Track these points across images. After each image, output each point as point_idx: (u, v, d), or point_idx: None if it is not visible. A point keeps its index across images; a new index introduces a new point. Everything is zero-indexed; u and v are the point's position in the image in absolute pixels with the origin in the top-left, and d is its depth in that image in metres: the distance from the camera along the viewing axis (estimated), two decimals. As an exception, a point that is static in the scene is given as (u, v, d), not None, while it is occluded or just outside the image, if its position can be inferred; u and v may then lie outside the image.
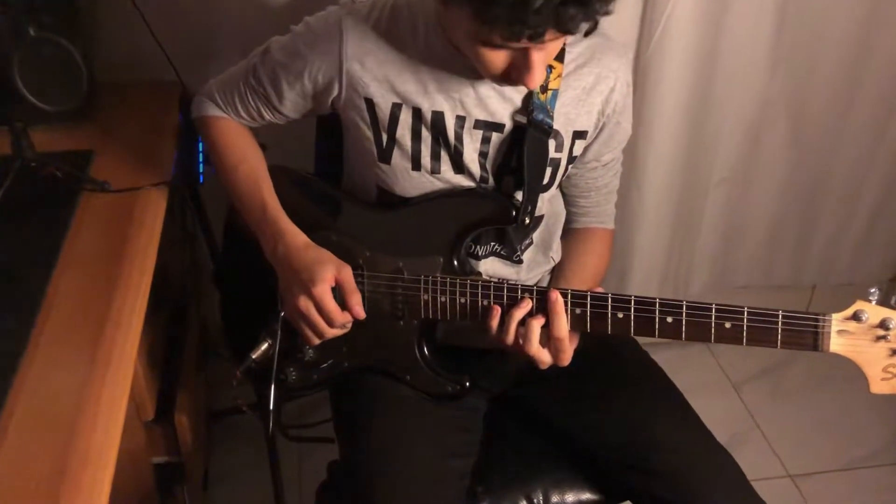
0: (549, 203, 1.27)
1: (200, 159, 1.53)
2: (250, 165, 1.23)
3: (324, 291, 1.09)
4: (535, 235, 1.27)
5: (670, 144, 1.86)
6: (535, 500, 1.22)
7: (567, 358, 1.09)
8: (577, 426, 1.24)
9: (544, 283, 1.32)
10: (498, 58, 0.99)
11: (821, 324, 0.98)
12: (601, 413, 1.22)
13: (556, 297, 1.05)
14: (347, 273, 1.12)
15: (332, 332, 1.13)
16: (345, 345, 1.21)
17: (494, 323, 1.08)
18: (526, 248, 1.26)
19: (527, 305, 1.07)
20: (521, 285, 1.09)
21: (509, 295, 1.09)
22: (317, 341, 1.15)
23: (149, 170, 1.36)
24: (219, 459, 1.79)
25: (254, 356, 1.20)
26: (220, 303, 1.39)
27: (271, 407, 1.20)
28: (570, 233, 1.34)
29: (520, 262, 1.25)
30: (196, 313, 1.66)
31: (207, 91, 1.28)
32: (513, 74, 1.01)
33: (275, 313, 1.20)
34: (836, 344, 0.99)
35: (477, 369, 1.22)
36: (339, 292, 1.12)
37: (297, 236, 1.15)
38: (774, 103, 1.88)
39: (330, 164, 1.36)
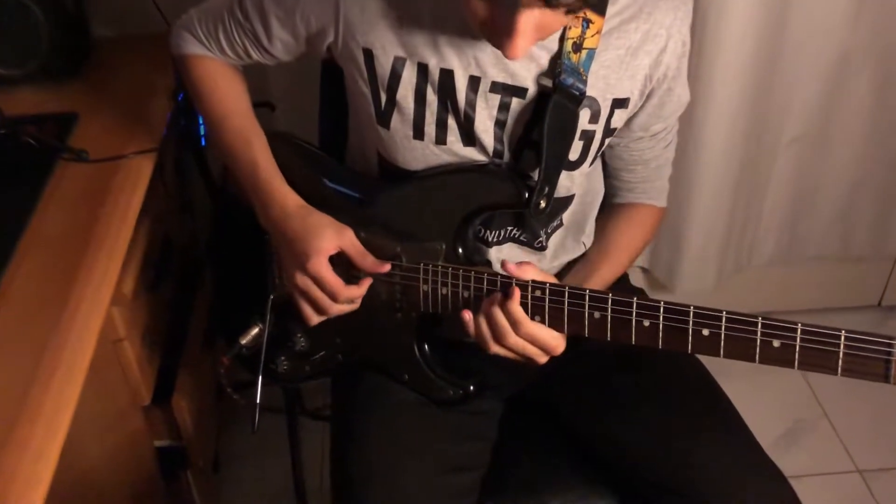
0: (586, 179, 1.10)
1: (201, 120, 1.40)
2: (240, 119, 1.09)
3: (319, 265, 0.97)
4: (566, 216, 1.10)
5: (734, 100, 1.65)
6: (552, 517, 1.08)
7: (552, 348, 0.95)
8: (604, 435, 1.08)
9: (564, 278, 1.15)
10: (479, 7, 0.82)
11: (895, 350, 0.79)
12: (633, 423, 1.06)
13: (514, 289, 0.93)
14: (350, 236, 0.99)
15: (337, 309, 1.01)
16: (339, 336, 1.08)
17: (472, 330, 0.96)
18: (553, 230, 1.09)
19: (493, 299, 0.94)
20: (534, 281, 0.93)
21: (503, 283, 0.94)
22: (317, 320, 1.02)
23: (137, 135, 1.24)
24: (233, 439, 1.70)
25: (243, 341, 1.09)
26: (212, 280, 1.28)
27: (258, 399, 1.08)
28: (608, 207, 1.16)
29: (542, 248, 1.09)
30: (205, 287, 1.55)
31: (187, 22, 1.12)
32: (494, 35, 0.83)
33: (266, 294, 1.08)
34: None
35: (490, 368, 1.07)
36: (341, 262, 0.99)
37: (289, 197, 1.02)
38: (856, 53, 1.65)
39: (336, 124, 1.21)
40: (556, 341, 0.95)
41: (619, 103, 1.00)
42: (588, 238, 1.15)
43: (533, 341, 0.94)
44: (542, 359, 0.96)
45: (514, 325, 0.93)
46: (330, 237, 0.98)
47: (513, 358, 0.96)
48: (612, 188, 1.15)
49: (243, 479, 1.70)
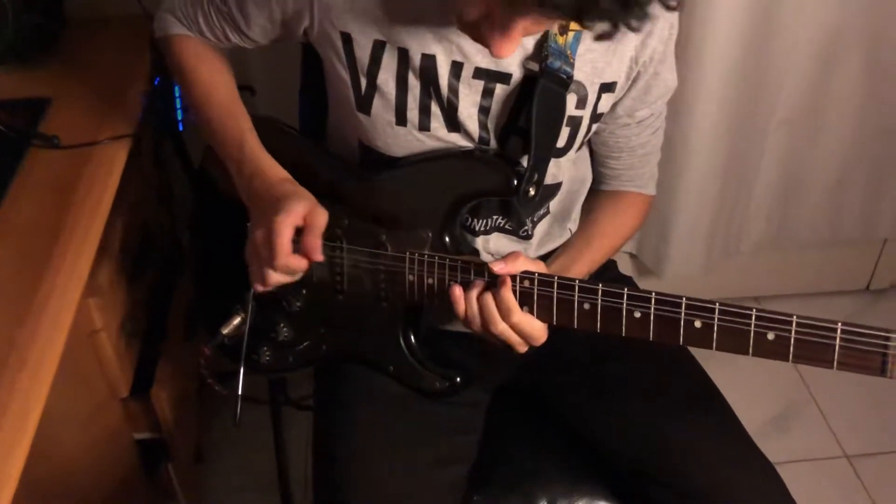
0: (573, 166, 1.07)
1: (178, 105, 1.36)
2: (225, 95, 1.06)
3: (283, 222, 0.91)
4: (553, 204, 1.07)
5: (722, 83, 1.63)
6: (541, 509, 1.06)
7: (535, 339, 0.93)
8: (594, 427, 1.07)
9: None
10: (472, 10, 0.79)
11: (893, 343, 0.77)
12: (624, 414, 1.04)
13: (500, 267, 0.90)
14: (320, 215, 0.93)
15: (274, 277, 0.95)
16: (322, 326, 1.05)
17: (461, 309, 0.93)
18: (539, 219, 1.07)
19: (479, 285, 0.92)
20: (523, 271, 0.90)
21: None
22: (260, 287, 0.98)
23: (111, 120, 1.20)
24: (216, 429, 1.68)
25: (224, 332, 1.06)
26: (193, 268, 1.24)
27: (240, 391, 1.05)
28: (595, 193, 1.14)
29: (528, 237, 1.06)
30: (185, 276, 1.52)
31: (169, 6, 1.10)
32: (484, 29, 0.80)
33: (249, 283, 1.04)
34: None
35: (476, 359, 1.05)
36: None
37: (275, 169, 0.99)
38: (847, 32, 1.62)
39: (316, 108, 1.18)
40: (540, 332, 0.92)
41: (607, 87, 0.98)
42: (574, 224, 1.13)
43: (519, 331, 0.91)
44: (523, 348, 0.94)
45: (504, 313, 0.90)
46: (304, 205, 0.93)
47: (492, 341, 0.94)
48: (599, 175, 1.13)
49: (227, 470, 1.68)
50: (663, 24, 0.97)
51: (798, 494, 1.00)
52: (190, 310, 1.48)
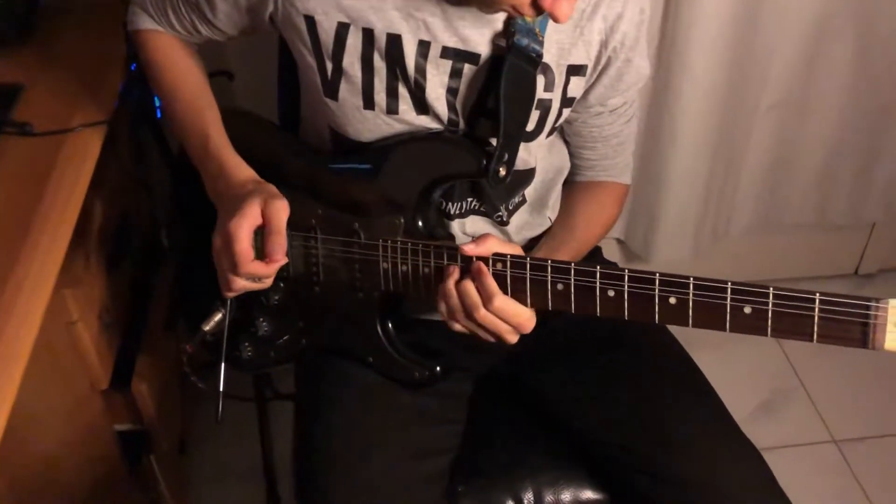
0: (548, 153, 1.05)
1: (156, 91, 1.33)
2: (191, 89, 1.04)
3: (237, 228, 0.88)
4: (528, 192, 1.06)
5: (711, 65, 1.61)
6: (526, 500, 1.05)
7: (523, 324, 0.90)
8: (579, 416, 1.05)
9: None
10: None
11: (872, 312, 0.75)
12: (609, 403, 1.03)
13: (478, 264, 0.88)
14: (275, 207, 0.90)
15: (240, 283, 0.92)
16: (301, 319, 1.03)
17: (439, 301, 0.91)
18: (515, 208, 1.05)
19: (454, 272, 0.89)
20: (495, 253, 0.89)
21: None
22: (228, 294, 0.95)
23: (86, 107, 1.17)
24: (200, 420, 1.66)
25: (206, 328, 1.04)
26: (173, 260, 1.22)
27: (221, 388, 1.03)
28: (571, 185, 1.12)
29: (504, 223, 1.04)
30: (166, 266, 1.50)
31: (140, 1, 1.08)
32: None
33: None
34: (893, 340, 0.75)
35: (457, 348, 1.03)
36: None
37: (240, 169, 0.96)
38: (837, 15, 1.61)
39: (294, 94, 1.15)
40: (527, 316, 0.90)
41: (575, 70, 0.96)
42: (552, 211, 1.11)
43: (505, 317, 0.89)
44: (513, 337, 0.91)
45: (487, 298, 0.88)
46: (257, 204, 0.90)
47: (480, 336, 0.92)
48: (574, 167, 1.12)
49: (211, 461, 1.66)
50: (633, 8, 0.95)
51: (786, 480, 0.99)
52: (172, 299, 1.45)
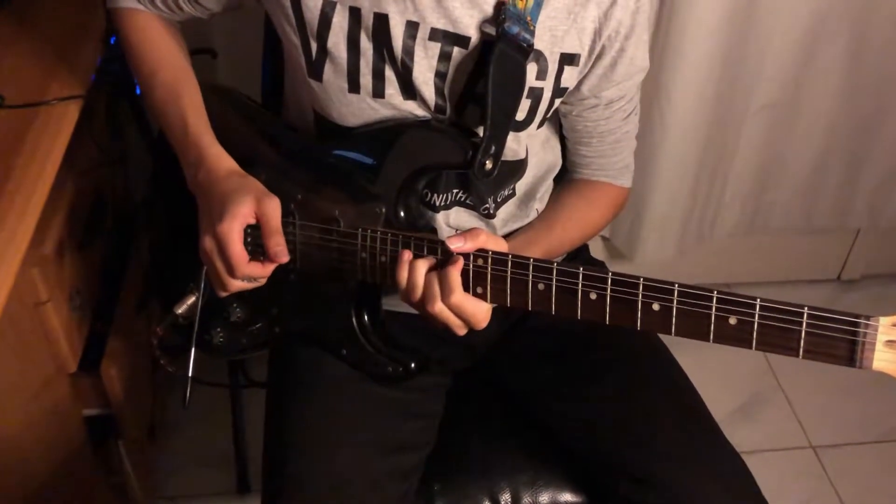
0: (542, 149, 1.03)
1: (136, 67, 1.29)
2: (171, 73, 1.00)
3: (229, 230, 0.86)
4: (518, 186, 1.03)
5: (703, 63, 1.59)
6: (503, 500, 1.03)
7: (476, 322, 0.87)
8: (559, 416, 1.03)
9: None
10: None
11: (862, 330, 0.72)
12: (591, 404, 1.01)
13: (454, 249, 0.85)
14: (271, 207, 0.88)
15: (236, 284, 0.91)
16: (275, 306, 1.00)
17: (403, 276, 0.87)
18: (504, 200, 1.02)
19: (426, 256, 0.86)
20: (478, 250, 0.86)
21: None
22: (223, 294, 0.93)
23: (61, 79, 1.13)
24: (172, 406, 1.62)
25: (178, 311, 1.01)
26: (148, 240, 1.19)
27: (190, 373, 1.00)
28: (565, 182, 1.10)
29: (490, 215, 1.02)
30: (140, 247, 1.46)
31: None
32: None
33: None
34: (881, 360, 0.73)
35: (435, 343, 1.01)
36: (257, 236, 0.90)
37: (221, 160, 0.93)
38: (832, 17, 1.59)
39: (278, 76, 1.13)
40: (482, 315, 0.87)
41: (568, 59, 0.93)
42: (540, 203, 1.08)
43: (458, 312, 0.86)
44: (462, 331, 0.88)
45: (446, 292, 0.85)
46: (249, 203, 0.88)
47: (430, 321, 0.88)
48: (571, 164, 1.09)
49: (181, 448, 1.63)
50: None
51: (763, 484, 0.98)
52: (144, 284, 1.42)
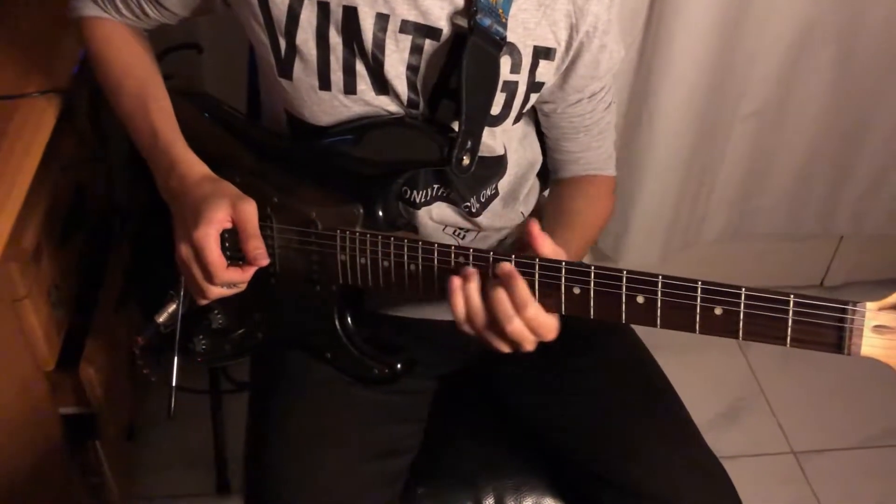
0: (520, 146, 1.02)
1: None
2: (138, 80, 0.98)
3: (205, 236, 0.84)
4: (502, 186, 1.02)
5: (692, 69, 1.59)
6: (485, 505, 1.02)
7: (548, 332, 0.82)
8: (544, 422, 1.02)
9: (509, 242, 1.07)
10: None
11: (849, 316, 0.72)
12: (572, 409, 1.00)
13: (508, 267, 0.80)
14: (247, 210, 0.86)
15: (215, 291, 0.89)
16: (257, 312, 0.99)
17: (460, 305, 0.81)
18: (488, 200, 1.01)
19: (473, 274, 0.81)
20: (456, 247, 0.84)
21: (441, 260, 0.85)
22: (202, 301, 0.91)
23: (42, 72, 1.12)
24: (152, 405, 1.60)
25: (159, 320, 0.99)
26: (129, 244, 1.17)
27: (174, 382, 0.99)
28: (555, 185, 1.08)
29: (473, 213, 1.00)
30: (122, 244, 1.44)
31: None
32: None
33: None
34: (870, 345, 0.72)
35: (420, 344, 1.00)
36: (234, 240, 0.89)
37: (193, 166, 0.91)
38: (821, 24, 1.60)
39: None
40: (553, 323, 0.82)
41: (543, 53, 0.92)
42: (524, 206, 1.07)
43: (535, 325, 0.80)
44: (533, 346, 0.83)
45: (520, 306, 0.79)
46: (224, 207, 0.86)
47: (494, 345, 0.84)
48: (556, 163, 1.07)
49: (160, 449, 1.61)
50: None
51: (743, 489, 0.97)
52: (125, 280, 1.40)
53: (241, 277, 0.88)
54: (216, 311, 0.99)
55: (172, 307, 0.99)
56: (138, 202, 1.12)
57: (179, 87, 0.99)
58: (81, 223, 1.32)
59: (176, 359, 0.98)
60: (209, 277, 0.86)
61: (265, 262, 0.87)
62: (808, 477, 1.71)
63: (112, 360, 1.32)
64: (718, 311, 0.75)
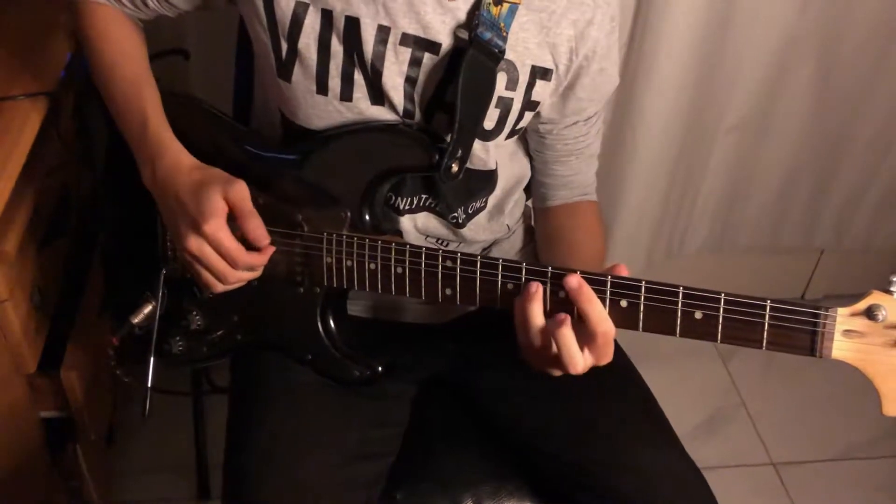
0: (510, 161, 1.03)
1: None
2: (134, 66, 0.98)
3: (217, 228, 0.85)
4: (490, 199, 1.03)
5: (676, 83, 1.62)
6: (465, 509, 1.02)
7: (612, 351, 0.83)
8: (523, 427, 1.03)
9: (492, 253, 1.08)
10: None
11: (821, 321, 0.75)
12: (552, 415, 1.01)
13: (578, 281, 0.79)
14: (239, 191, 0.86)
15: (238, 276, 0.90)
16: (236, 313, 0.99)
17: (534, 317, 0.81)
18: (475, 212, 1.02)
19: (538, 291, 0.80)
20: (444, 250, 0.86)
21: (428, 263, 0.86)
22: (221, 288, 0.91)
23: (28, 75, 1.12)
24: (132, 410, 1.59)
25: (135, 321, 1.00)
26: (101, 247, 1.16)
27: (149, 383, 0.99)
28: (546, 213, 1.08)
29: (459, 224, 1.02)
30: (103, 246, 1.44)
31: None
32: None
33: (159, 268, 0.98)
34: (840, 349, 0.76)
35: (404, 349, 1.00)
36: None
37: (181, 155, 0.91)
38: (802, 42, 1.62)
39: (250, 77, 1.11)
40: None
41: (540, 73, 0.94)
42: (509, 218, 1.09)
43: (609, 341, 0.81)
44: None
45: (597, 322, 0.79)
46: (217, 194, 0.86)
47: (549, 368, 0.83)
48: (546, 188, 1.07)
49: (140, 453, 1.61)
50: (603, 15, 0.93)
51: (723, 499, 0.98)
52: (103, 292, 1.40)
53: (260, 260, 0.89)
54: (194, 312, 1.00)
55: (148, 308, 0.99)
56: (112, 211, 1.12)
57: (166, 88, 1.00)
58: (65, 226, 1.32)
59: (152, 359, 0.98)
60: (233, 263, 0.87)
61: (266, 240, 0.88)
62: (787, 488, 1.72)
63: (93, 364, 1.32)
64: (698, 315, 0.78)
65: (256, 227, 0.87)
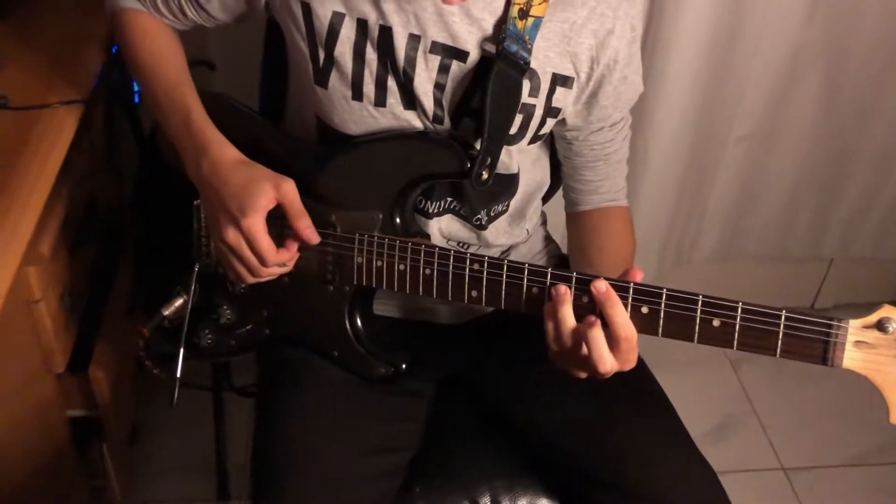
0: (532, 166, 1.06)
1: (135, 75, 1.32)
2: (174, 67, 1.02)
3: (255, 224, 0.88)
4: (512, 203, 1.07)
5: (686, 93, 1.65)
6: (481, 504, 1.05)
7: (636, 357, 0.86)
8: (538, 425, 1.05)
9: (511, 257, 1.12)
10: None
11: (834, 331, 0.79)
12: (567, 413, 1.03)
13: (606, 286, 0.82)
14: (290, 189, 0.90)
15: (268, 272, 0.93)
16: (266, 309, 1.03)
17: (566, 318, 0.84)
18: (497, 215, 1.06)
19: (567, 293, 0.84)
20: (472, 254, 0.90)
21: (456, 265, 0.89)
22: (251, 280, 0.95)
23: (64, 84, 1.16)
24: (154, 410, 1.63)
25: (165, 312, 1.03)
26: (133, 244, 1.20)
27: (178, 374, 1.02)
28: (577, 218, 1.11)
29: (481, 227, 1.05)
30: (129, 252, 1.48)
31: None
32: None
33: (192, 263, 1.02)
34: (850, 358, 0.80)
35: (424, 347, 1.04)
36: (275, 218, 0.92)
37: (225, 149, 0.94)
38: (809, 52, 1.65)
39: (277, 87, 1.14)
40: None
41: (561, 81, 0.97)
42: (529, 223, 1.12)
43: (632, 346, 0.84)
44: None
45: (622, 326, 0.83)
46: (268, 192, 0.90)
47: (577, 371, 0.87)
48: (575, 192, 1.10)
49: (162, 453, 1.64)
50: (623, 25, 0.96)
51: (734, 504, 1.01)
52: (134, 286, 1.43)
53: (289, 257, 0.93)
54: (224, 307, 1.03)
55: (179, 301, 1.02)
56: (145, 198, 1.15)
57: (202, 89, 1.03)
58: (92, 232, 1.36)
59: (182, 350, 1.01)
60: (263, 262, 0.91)
61: (316, 239, 0.92)
62: (797, 493, 1.74)
63: (120, 365, 1.36)
64: (716, 322, 0.82)
65: (307, 227, 0.91)
